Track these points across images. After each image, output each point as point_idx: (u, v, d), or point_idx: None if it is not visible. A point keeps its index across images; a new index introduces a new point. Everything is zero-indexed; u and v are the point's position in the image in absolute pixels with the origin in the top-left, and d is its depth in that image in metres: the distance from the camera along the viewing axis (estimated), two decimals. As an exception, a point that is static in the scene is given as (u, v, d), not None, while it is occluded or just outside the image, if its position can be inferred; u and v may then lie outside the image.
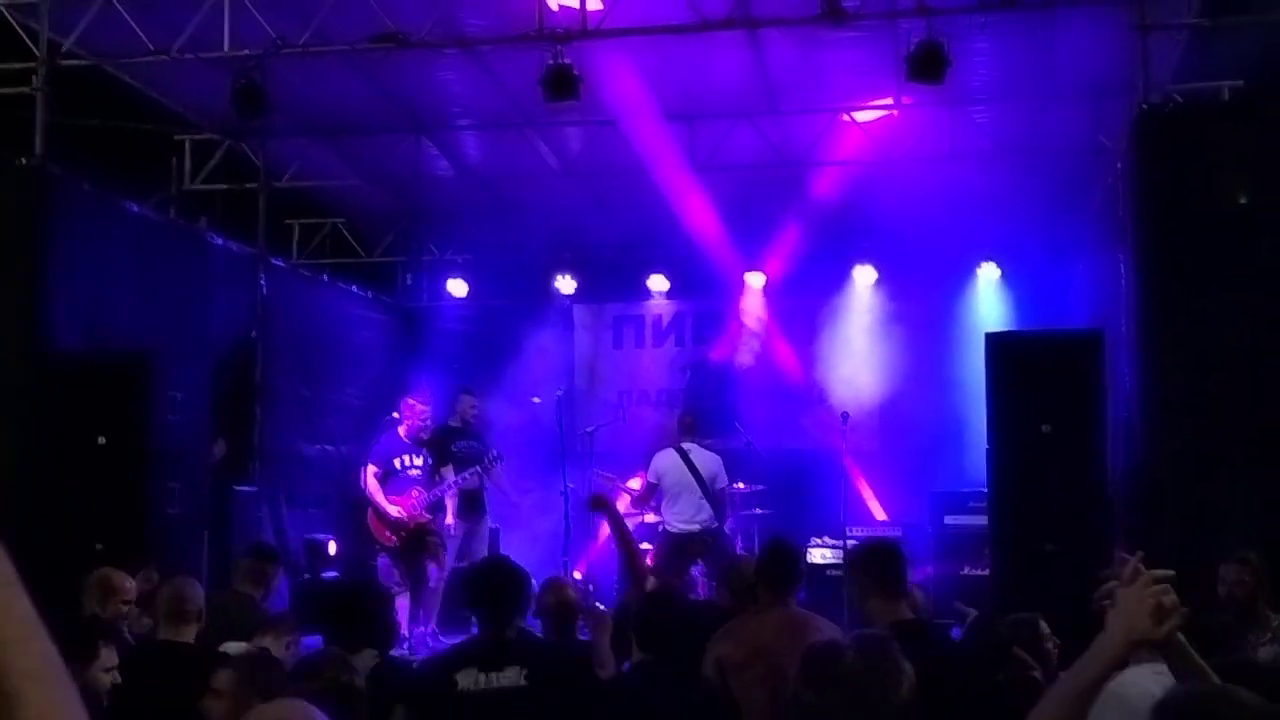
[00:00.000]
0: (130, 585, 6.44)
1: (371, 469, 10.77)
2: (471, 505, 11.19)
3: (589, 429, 12.38)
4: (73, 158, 9.70)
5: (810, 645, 2.78)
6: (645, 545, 11.35)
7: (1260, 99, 9.10)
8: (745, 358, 14.35)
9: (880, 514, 13.60)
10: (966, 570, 11.65)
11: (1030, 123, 11.75)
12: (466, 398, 11.49)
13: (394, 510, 10.57)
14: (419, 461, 10.77)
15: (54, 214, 9.31)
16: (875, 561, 5.06)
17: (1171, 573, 2.65)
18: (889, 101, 11.37)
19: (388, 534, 10.67)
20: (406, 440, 10.80)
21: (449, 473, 10.87)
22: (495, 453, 11.17)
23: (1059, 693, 2.72)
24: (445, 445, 11.05)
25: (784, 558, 5.72)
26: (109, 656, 4.66)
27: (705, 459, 11.01)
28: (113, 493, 8.91)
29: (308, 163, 12.65)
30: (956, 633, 8.81)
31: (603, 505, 8.15)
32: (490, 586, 5.17)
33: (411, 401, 10.89)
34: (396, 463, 10.76)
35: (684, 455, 11.01)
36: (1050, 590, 7.41)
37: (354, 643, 5.15)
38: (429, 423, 10.90)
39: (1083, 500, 8.36)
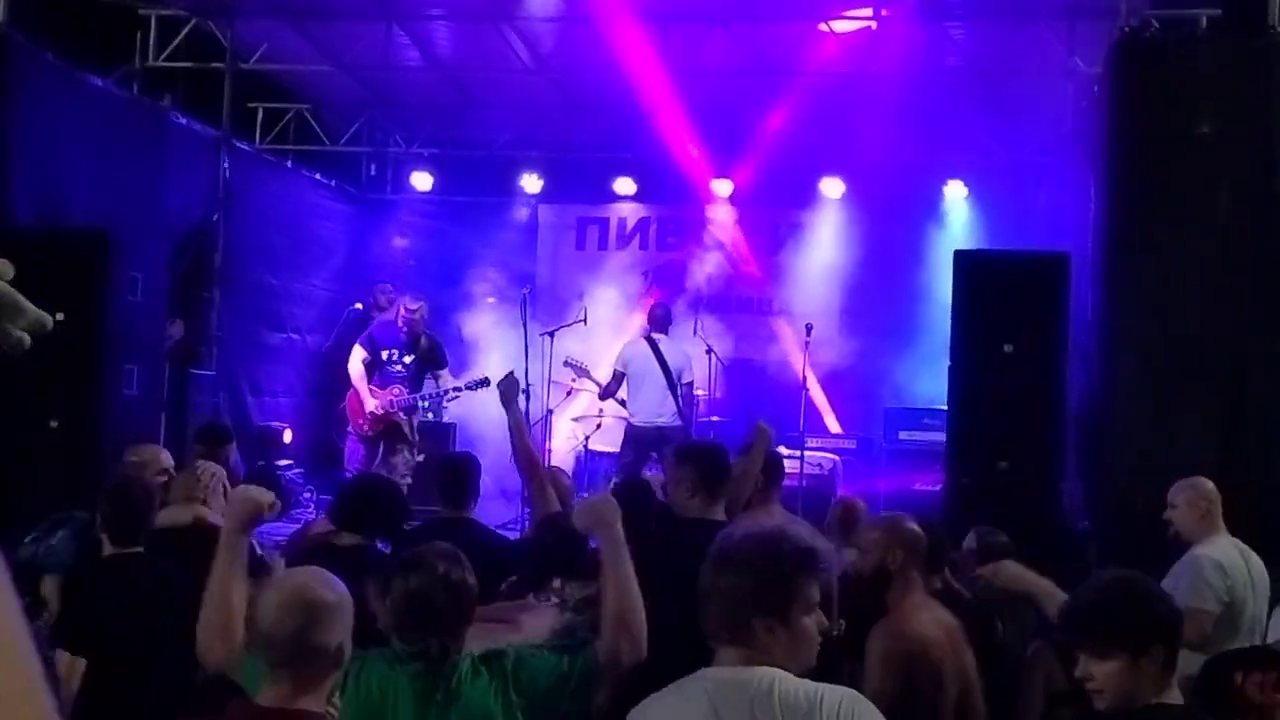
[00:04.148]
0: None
1: (361, 353, 10.63)
2: None
3: (549, 330, 12.30)
4: (36, 27, 9.44)
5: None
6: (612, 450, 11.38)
7: (1236, 29, 9.06)
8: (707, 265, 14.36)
9: (835, 427, 13.71)
10: (918, 486, 11.79)
11: (1005, 42, 11.69)
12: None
13: (371, 404, 10.49)
14: (407, 360, 10.63)
15: (14, 83, 9.06)
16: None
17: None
18: (868, 13, 11.26)
19: (362, 420, 10.60)
20: (403, 335, 10.69)
21: (447, 377, 10.81)
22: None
23: None
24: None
25: (775, 461, 5.84)
26: None
27: (674, 351, 10.77)
28: (69, 370, 8.75)
29: (275, 46, 12.38)
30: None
31: None
32: None
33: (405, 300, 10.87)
34: (385, 354, 10.62)
35: (653, 345, 10.74)
36: (1001, 508, 7.48)
37: None
38: (424, 319, 10.80)
39: (1039, 421, 8.42)
